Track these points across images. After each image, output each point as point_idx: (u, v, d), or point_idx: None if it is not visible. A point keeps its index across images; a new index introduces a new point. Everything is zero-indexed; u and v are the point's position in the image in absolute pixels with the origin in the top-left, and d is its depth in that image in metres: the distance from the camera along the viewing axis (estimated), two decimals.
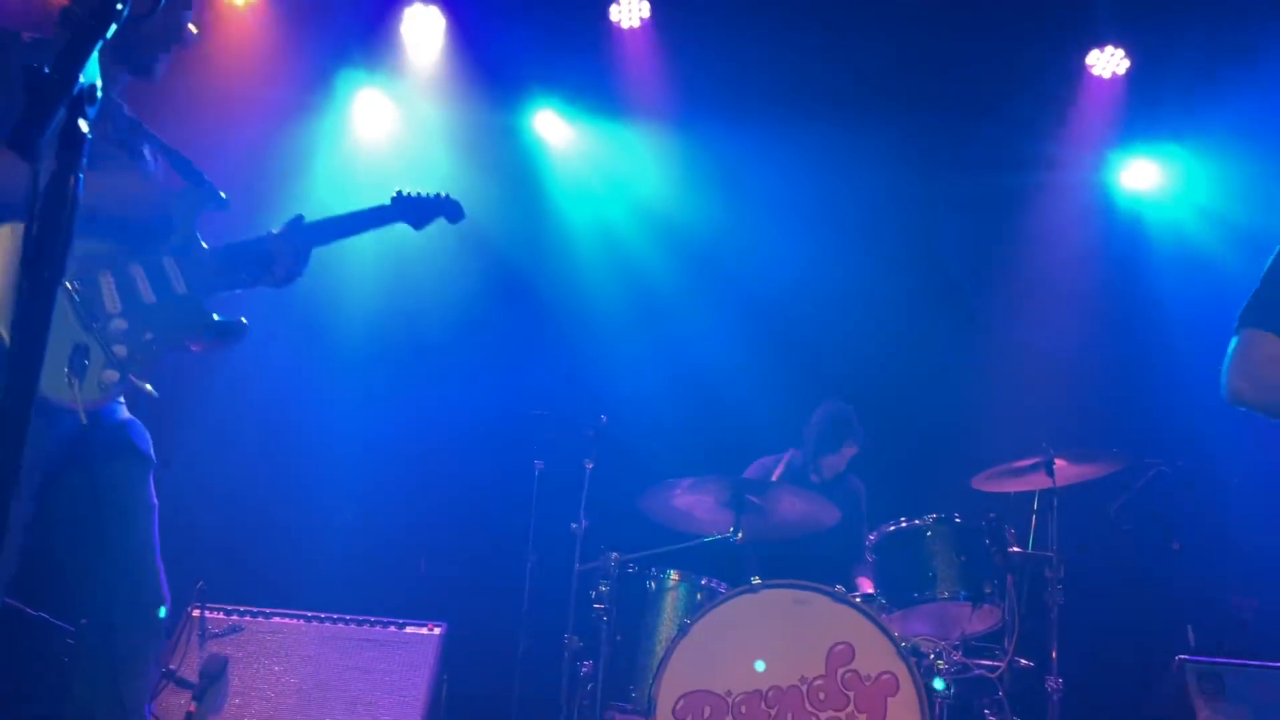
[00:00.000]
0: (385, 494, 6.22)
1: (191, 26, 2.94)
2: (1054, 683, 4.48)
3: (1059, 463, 4.66)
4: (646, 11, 6.56)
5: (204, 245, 2.97)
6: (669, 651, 4.13)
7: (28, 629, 3.59)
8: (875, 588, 4.70)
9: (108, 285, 2.74)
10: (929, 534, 4.56)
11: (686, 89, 6.65)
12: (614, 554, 4.61)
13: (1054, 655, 4.51)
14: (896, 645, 4.09)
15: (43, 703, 3.36)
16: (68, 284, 2.64)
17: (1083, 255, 6.75)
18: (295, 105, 6.51)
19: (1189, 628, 5.62)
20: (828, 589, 4.20)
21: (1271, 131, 6.11)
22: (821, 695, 4.05)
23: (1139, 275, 6.65)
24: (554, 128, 6.90)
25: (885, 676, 4.06)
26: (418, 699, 4.61)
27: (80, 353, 2.61)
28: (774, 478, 5.11)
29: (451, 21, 6.60)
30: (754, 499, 4.69)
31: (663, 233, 6.82)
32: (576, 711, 4.60)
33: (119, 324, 2.72)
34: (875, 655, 4.08)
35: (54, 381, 2.55)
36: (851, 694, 4.05)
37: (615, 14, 6.59)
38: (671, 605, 4.52)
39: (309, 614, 4.83)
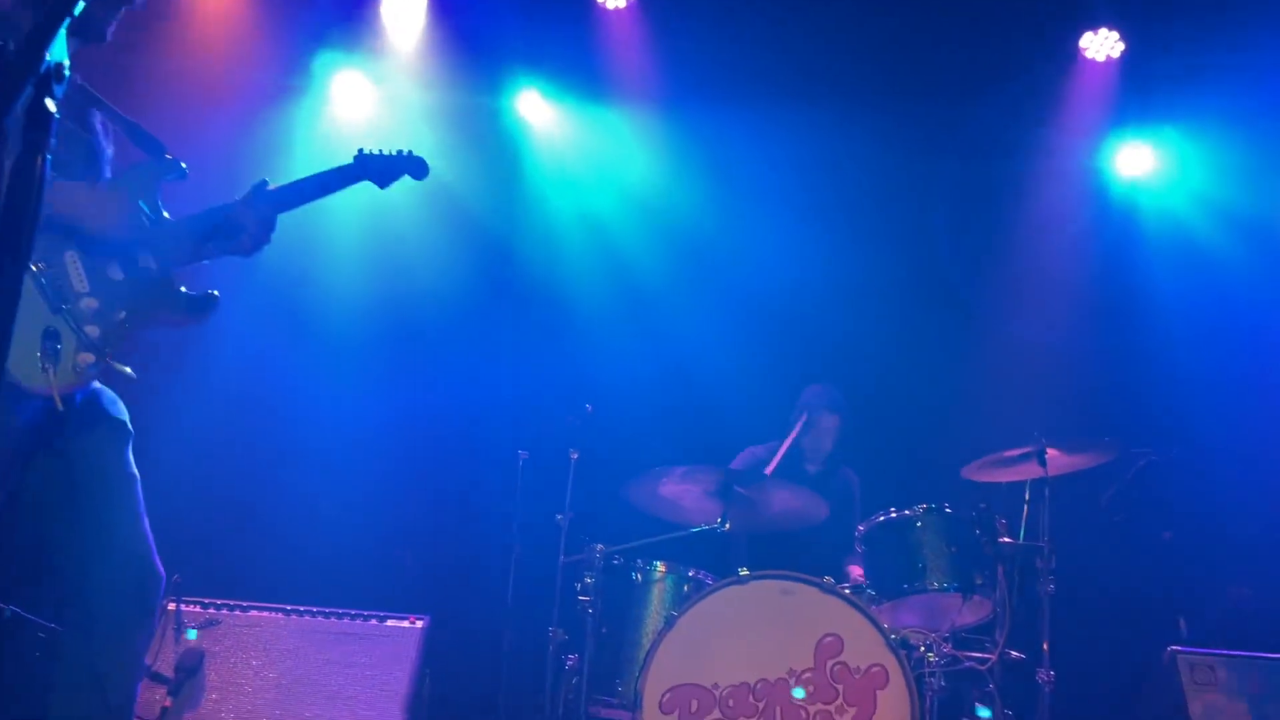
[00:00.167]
0: (366, 484, 6.20)
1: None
2: (1045, 675, 4.50)
3: (1051, 452, 4.67)
4: None
5: (166, 216, 2.94)
6: (655, 644, 4.13)
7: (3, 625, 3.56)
8: (865, 577, 4.72)
9: (74, 264, 2.70)
10: (919, 524, 4.57)
11: (673, 71, 6.63)
12: (599, 545, 4.61)
13: (1045, 647, 4.53)
14: (886, 637, 4.10)
15: (20, 704, 3.33)
16: (33, 265, 2.60)
17: (1075, 242, 6.76)
18: (273, 88, 6.46)
19: (1181, 619, 5.66)
20: (816, 580, 4.21)
21: (1267, 115, 6.13)
22: (810, 688, 4.06)
23: (1132, 263, 6.67)
24: (537, 110, 6.86)
25: (874, 669, 4.07)
26: (399, 694, 4.60)
27: (51, 337, 2.57)
28: (769, 469, 5.10)
29: (433, 0, 6.56)
30: (742, 490, 4.69)
31: (649, 218, 6.80)
32: (561, 706, 4.60)
33: (89, 303, 2.68)
34: (864, 647, 4.09)
35: (26, 368, 2.52)
36: (840, 686, 4.06)
37: None
38: (658, 597, 4.53)
39: (288, 607, 4.80)
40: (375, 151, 3.34)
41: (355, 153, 3.32)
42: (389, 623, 4.79)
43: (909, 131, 6.56)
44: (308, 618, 4.78)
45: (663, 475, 4.70)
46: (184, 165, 2.99)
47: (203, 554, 5.39)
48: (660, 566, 4.58)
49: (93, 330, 2.67)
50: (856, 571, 4.94)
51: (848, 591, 4.26)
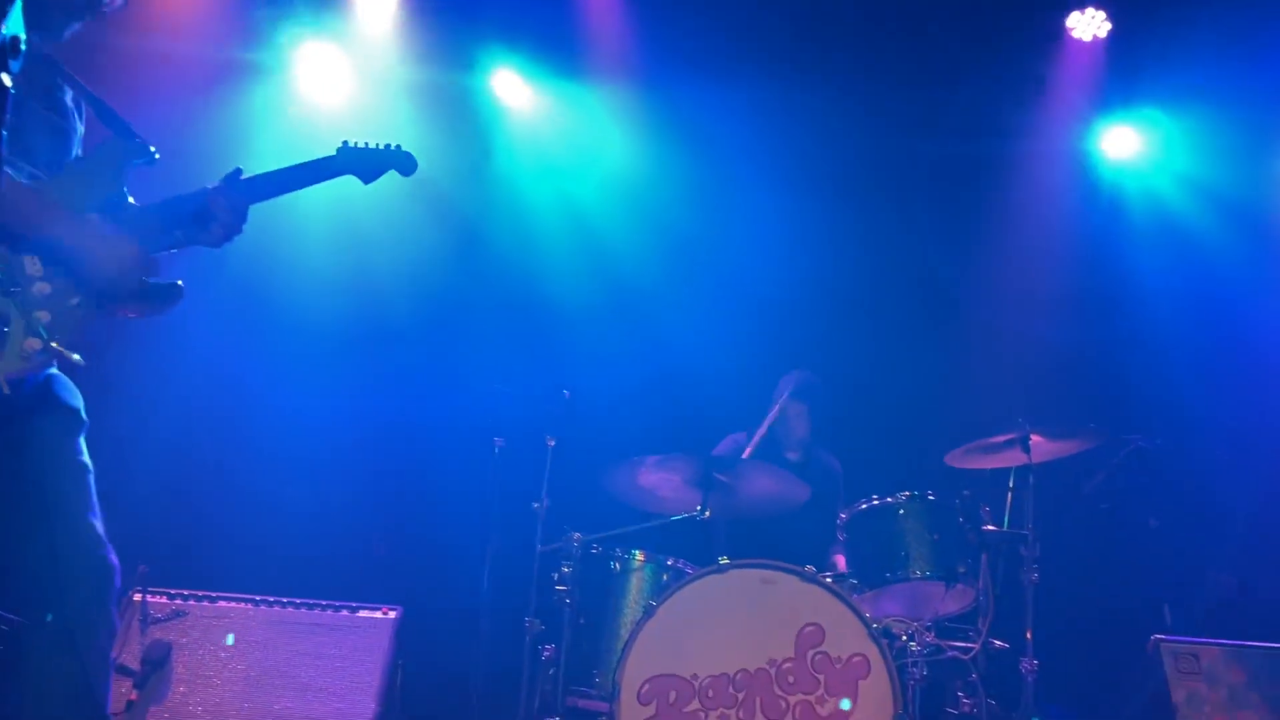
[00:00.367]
0: (337, 471, 6.17)
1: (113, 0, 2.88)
2: (1029, 664, 4.54)
3: (1035, 439, 4.71)
4: None
5: (132, 202, 2.91)
6: (634, 634, 4.14)
7: None
8: (847, 567, 4.74)
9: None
10: (901, 512, 4.60)
11: (653, 50, 6.59)
12: (577, 534, 4.62)
13: (1029, 636, 4.57)
14: (868, 626, 4.12)
15: None
16: None
17: (1060, 226, 6.79)
18: (236, 65, 6.37)
19: (1165, 607, 5.71)
20: (797, 569, 4.22)
21: (1253, 95, 6.16)
22: (791, 678, 4.08)
23: (1117, 247, 6.70)
24: (513, 89, 6.82)
25: (856, 658, 4.10)
26: (371, 685, 4.60)
27: None
28: (746, 453, 5.11)
29: None
30: (722, 477, 4.70)
31: (628, 202, 6.78)
32: (538, 697, 4.61)
33: (41, 288, 2.64)
34: (846, 637, 4.12)
35: None
36: (822, 676, 4.08)
37: None
38: (636, 586, 4.54)
39: (257, 597, 4.80)
40: (360, 144, 3.28)
41: (339, 145, 3.26)
42: (361, 613, 4.78)
43: (891, 113, 6.57)
44: (277, 608, 4.77)
45: (641, 463, 4.71)
46: (153, 149, 2.94)
47: (169, 543, 5.37)
48: (639, 555, 4.59)
49: (43, 315, 2.63)
50: (842, 562, 4.96)
51: (829, 580, 4.28)
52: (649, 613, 4.17)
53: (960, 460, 4.92)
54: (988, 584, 4.52)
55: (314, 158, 3.22)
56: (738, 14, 6.46)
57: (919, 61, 6.44)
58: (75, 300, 2.70)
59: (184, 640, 4.65)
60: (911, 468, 5.45)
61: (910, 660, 4.34)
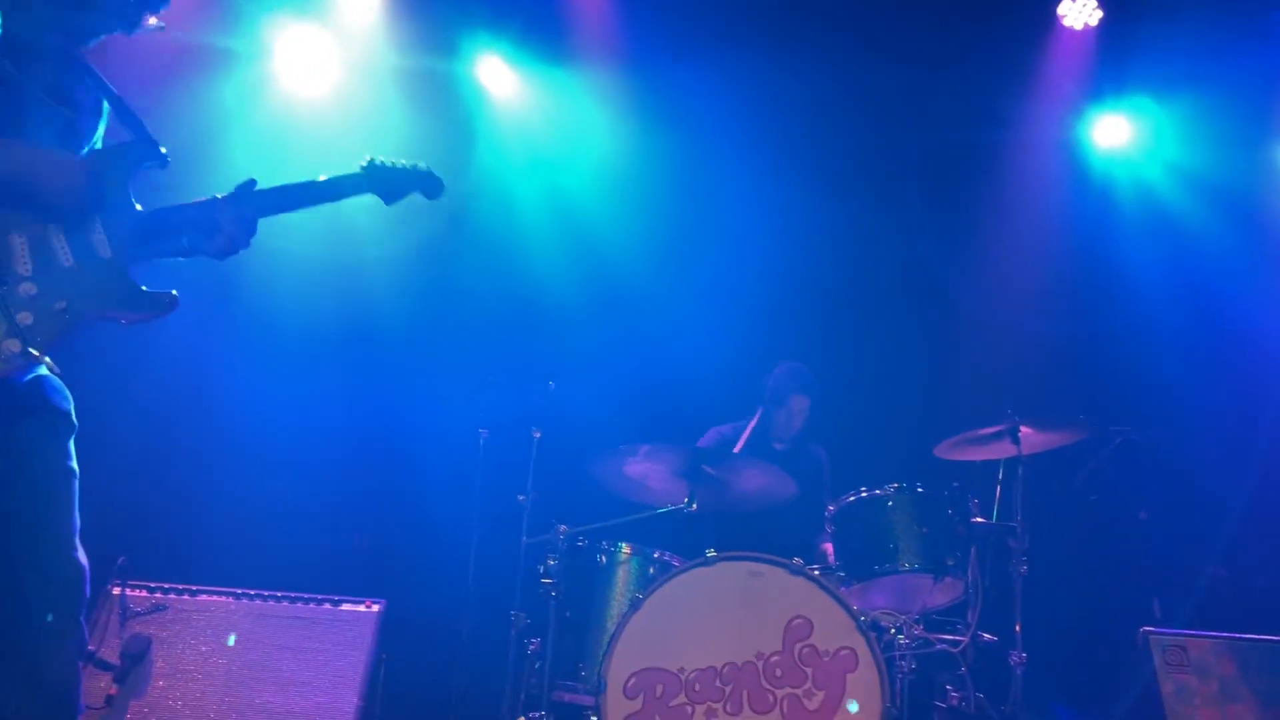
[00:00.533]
0: (320, 463, 6.17)
1: (154, 20, 2.88)
2: (1017, 657, 4.57)
3: (1024, 430, 4.74)
4: None
5: (138, 207, 2.87)
6: (620, 628, 4.16)
7: None
8: (835, 559, 4.76)
9: (20, 245, 2.63)
10: (890, 504, 4.62)
11: (640, 37, 6.59)
12: (563, 526, 4.63)
13: (1018, 629, 4.60)
14: (856, 619, 4.15)
15: None
16: None
17: (1050, 216, 6.82)
18: (212, 51, 6.33)
19: (1155, 599, 5.76)
20: (784, 561, 4.24)
21: (1244, 83, 6.18)
22: (778, 671, 4.11)
23: (1108, 237, 6.73)
24: (498, 76, 6.81)
25: (844, 652, 4.12)
26: (354, 680, 4.61)
27: None
28: (737, 448, 5.13)
29: None
30: (710, 469, 4.72)
31: (614, 193, 6.78)
32: (523, 692, 4.63)
33: (27, 288, 2.61)
34: (834, 630, 4.14)
35: None
36: (809, 670, 4.11)
37: None
38: (623, 579, 4.55)
39: (238, 591, 4.80)
40: (386, 163, 3.23)
41: (364, 161, 3.21)
42: (344, 607, 4.79)
43: (880, 101, 6.59)
44: (259, 601, 4.77)
45: (628, 454, 4.72)
46: (164, 151, 2.91)
47: (149, 536, 5.36)
48: (625, 548, 4.61)
49: (25, 317, 2.59)
50: (829, 551, 4.99)
51: (817, 573, 4.30)
52: (635, 606, 4.18)
53: (949, 452, 4.95)
54: (976, 576, 4.55)
55: (340, 173, 3.18)
56: (726, 1, 6.47)
57: (908, 49, 6.45)
58: (61, 304, 2.66)
59: (164, 634, 4.65)
60: (900, 459, 5.48)
61: (898, 653, 4.37)
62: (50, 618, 2.62)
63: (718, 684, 4.10)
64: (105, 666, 4.47)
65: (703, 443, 5.59)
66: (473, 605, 5.45)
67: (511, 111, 6.88)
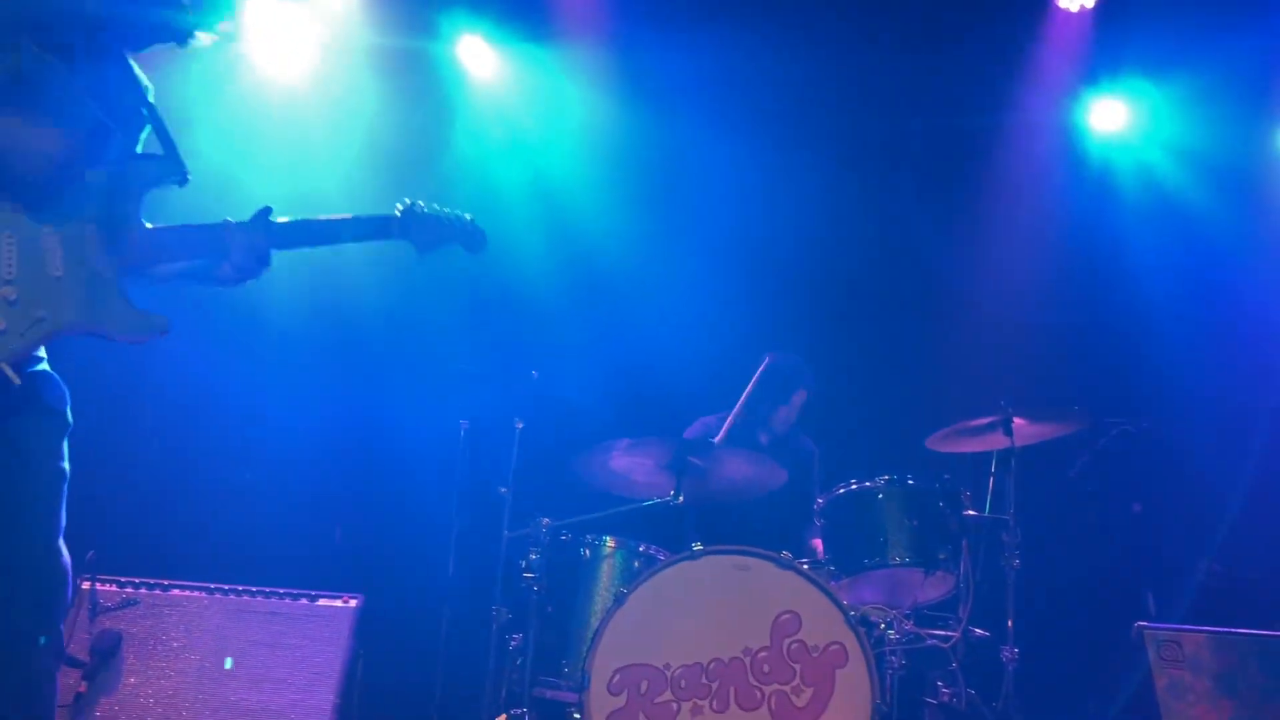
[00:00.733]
0: (296, 455, 6.15)
1: (204, 38, 2.85)
2: (1009, 652, 4.60)
3: (1017, 421, 4.76)
4: None
5: (146, 225, 2.82)
6: (604, 623, 4.16)
7: None
8: (824, 553, 4.78)
9: (8, 246, 2.59)
10: (880, 496, 4.64)
11: (626, 17, 6.57)
12: (545, 519, 4.63)
13: (1010, 624, 4.63)
14: (845, 614, 4.16)
15: None
16: None
17: (1045, 202, 6.83)
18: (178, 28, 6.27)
19: (1149, 594, 5.79)
20: (772, 555, 4.25)
21: (1244, 63, 6.18)
22: (766, 667, 4.12)
23: (1104, 224, 6.75)
24: (479, 56, 6.79)
25: (833, 647, 4.14)
26: (331, 676, 4.61)
27: None
28: (718, 438, 5.14)
29: None
30: (696, 461, 4.73)
31: (598, 177, 6.77)
32: (504, 688, 4.63)
33: (6, 292, 2.56)
34: (823, 625, 4.15)
35: None
36: (797, 666, 4.12)
37: None
38: (607, 574, 4.56)
39: (211, 585, 4.79)
40: (426, 209, 3.16)
41: (402, 204, 3.12)
42: (320, 602, 4.78)
43: (871, 85, 6.58)
44: (233, 596, 4.76)
45: (612, 446, 4.73)
46: (186, 167, 2.87)
47: (119, 528, 5.34)
48: (609, 541, 4.61)
49: None
50: (817, 546, 5.01)
51: (806, 567, 4.32)
52: (620, 600, 4.19)
53: (941, 444, 4.97)
54: (968, 571, 4.57)
55: (373, 213, 3.11)
56: None
57: (898, 30, 6.44)
58: (41, 313, 2.61)
59: (135, 630, 4.64)
60: (891, 451, 5.50)
61: (888, 649, 4.39)
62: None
63: (704, 680, 4.11)
64: (74, 663, 4.46)
65: (690, 433, 5.60)
66: (453, 600, 5.45)
67: (492, 93, 6.85)
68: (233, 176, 5.44)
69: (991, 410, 4.78)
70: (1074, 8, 6.57)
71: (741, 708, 4.09)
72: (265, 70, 6.41)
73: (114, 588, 4.73)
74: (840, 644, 4.14)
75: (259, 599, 4.77)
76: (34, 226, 2.64)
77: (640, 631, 4.15)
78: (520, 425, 5.08)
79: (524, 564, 4.60)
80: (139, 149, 2.94)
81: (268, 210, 2.95)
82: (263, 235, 2.93)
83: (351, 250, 6.26)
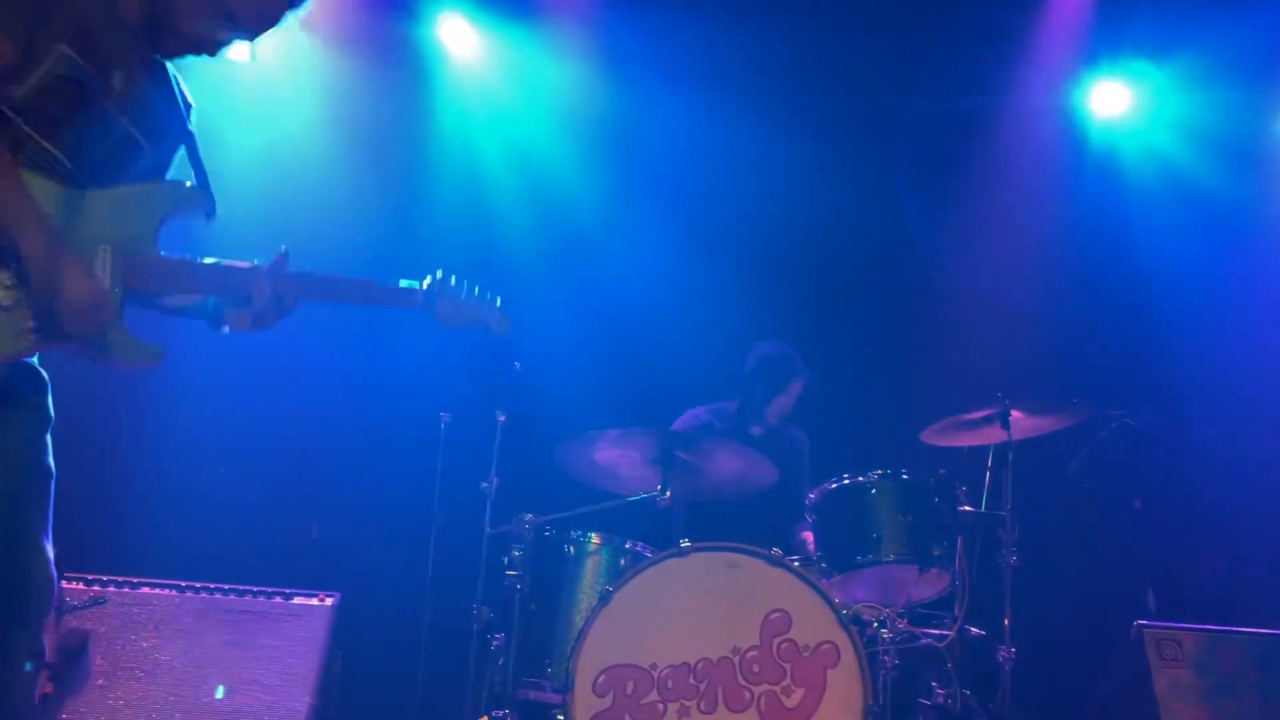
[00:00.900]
0: (270, 447, 6.13)
1: (240, 53, 2.80)
2: (1006, 652, 4.60)
3: (1015, 414, 4.75)
4: None
5: (160, 253, 2.76)
6: (589, 622, 4.16)
7: None
8: (816, 550, 4.78)
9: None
10: (873, 492, 4.63)
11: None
12: (528, 515, 4.62)
13: (1006, 623, 4.63)
14: (837, 613, 4.16)
15: None
16: None
17: (1044, 189, 6.82)
18: None
19: (1150, 592, 5.80)
20: (763, 552, 4.25)
21: (1248, 44, 6.17)
22: (755, 667, 4.12)
23: (1104, 210, 6.75)
24: (460, 35, 6.76)
25: (825, 646, 4.14)
26: (307, 677, 4.60)
27: None
28: (707, 431, 5.14)
29: None
30: (684, 455, 4.72)
31: (583, 159, 6.75)
32: (486, 689, 4.63)
33: (2, 297, 2.47)
34: (814, 623, 4.15)
35: None
36: (788, 665, 4.12)
37: None
38: (592, 571, 4.55)
39: (182, 583, 4.77)
40: (454, 286, 3.12)
41: (431, 277, 3.08)
42: (296, 600, 4.77)
43: (864, 66, 6.56)
44: (205, 595, 4.75)
45: (598, 439, 4.72)
46: (215, 201, 2.81)
47: (86, 524, 5.30)
48: (595, 538, 4.61)
49: None
50: (808, 539, 5.00)
51: (797, 564, 4.31)
52: (605, 599, 4.18)
53: (936, 437, 4.96)
54: (964, 568, 4.57)
55: (400, 283, 3.06)
56: None
57: (891, 9, 6.42)
58: (30, 324, 2.53)
59: (103, 629, 4.62)
60: (884, 445, 5.51)
61: (881, 648, 4.39)
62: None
63: (692, 681, 4.10)
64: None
65: (678, 426, 5.59)
66: (432, 598, 5.45)
67: (474, 72, 6.81)
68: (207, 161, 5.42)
69: (988, 403, 4.77)
70: None
71: (730, 709, 4.09)
72: (241, 51, 6.37)
73: (81, 585, 4.70)
74: (832, 643, 4.14)
75: (232, 597, 4.75)
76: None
77: (626, 631, 4.15)
78: (502, 418, 5.07)
79: (506, 561, 4.60)
80: (170, 172, 2.88)
81: (284, 256, 2.89)
82: (290, 285, 2.86)
83: (328, 242, 6.30)
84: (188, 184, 2.83)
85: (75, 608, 4.63)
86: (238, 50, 2.86)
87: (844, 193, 6.70)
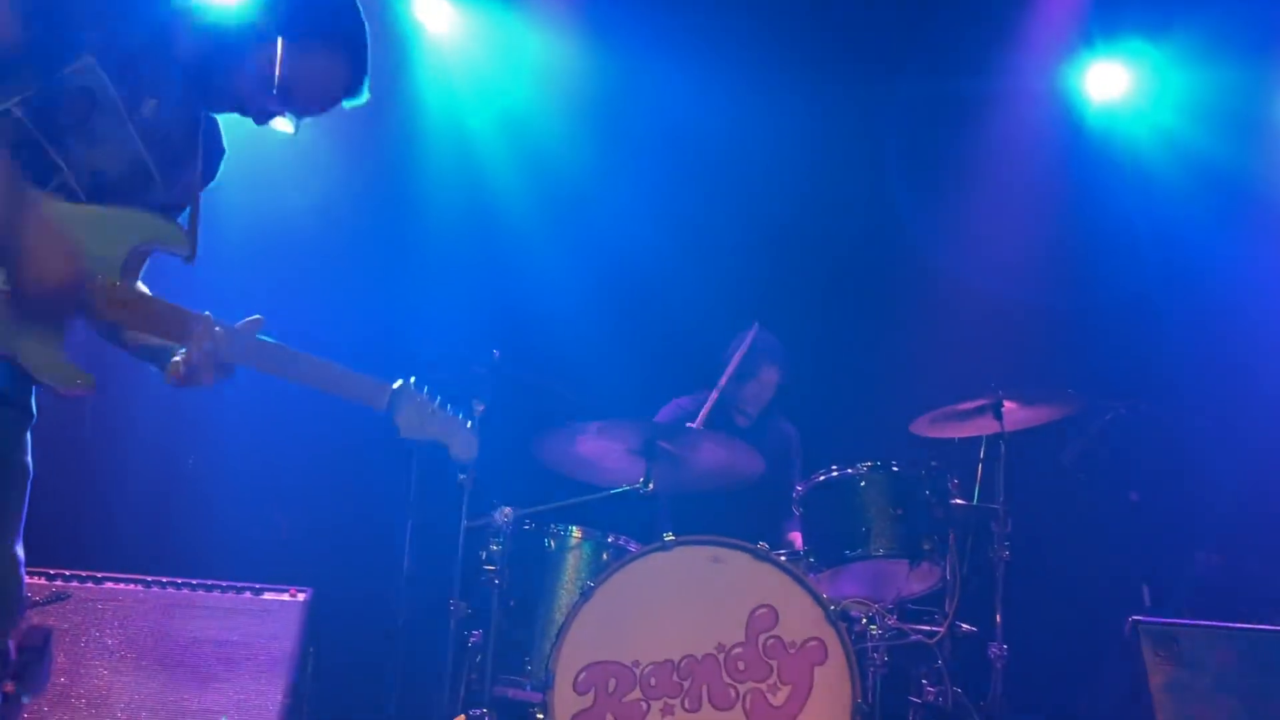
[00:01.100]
0: (239, 436, 6.10)
1: (284, 125, 2.80)
2: (998, 649, 4.63)
3: (1008, 405, 4.77)
4: None
5: (121, 281, 2.74)
6: (570, 618, 4.16)
7: None
8: (803, 544, 4.79)
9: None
10: (862, 484, 4.65)
11: None
12: (507, 508, 4.61)
13: (998, 619, 4.66)
14: (825, 609, 4.18)
15: None
16: None
17: (1037, 174, 6.83)
18: None
19: (1145, 587, 5.83)
20: (749, 546, 4.26)
21: (1251, 20, 6.18)
22: (741, 665, 4.13)
23: (1099, 197, 6.76)
24: (437, 12, 6.73)
25: (812, 643, 4.15)
26: (279, 675, 4.59)
27: None
28: (698, 421, 5.14)
29: None
30: (668, 446, 4.72)
31: (568, 133, 6.72)
32: (463, 687, 4.63)
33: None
34: (801, 620, 4.17)
35: None
36: (774, 663, 4.14)
37: None
38: (573, 566, 4.56)
39: (148, 578, 4.75)
40: (421, 398, 3.14)
41: (400, 382, 3.07)
42: (266, 595, 4.76)
43: (850, 44, 6.55)
44: (171, 590, 4.73)
45: (579, 430, 4.72)
46: (196, 251, 2.82)
47: (48, 517, 5.26)
48: (576, 532, 4.61)
49: None
50: (798, 540, 5.01)
51: (783, 559, 4.32)
52: (586, 594, 4.19)
53: (927, 428, 4.98)
54: (955, 563, 4.59)
55: (365, 374, 3.05)
56: None
57: None
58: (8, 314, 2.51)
59: (65, 625, 4.59)
60: (874, 436, 5.51)
61: (870, 645, 4.41)
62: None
63: (675, 678, 4.11)
64: None
65: (662, 416, 5.59)
66: (408, 594, 5.44)
67: (451, 42, 6.78)
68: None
69: (980, 393, 4.79)
70: None
71: (715, 707, 4.10)
72: (285, 125, 6.34)
73: (43, 580, 4.68)
74: (819, 640, 4.16)
75: (200, 592, 4.74)
76: None
77: (608, 627, 4.16)
78: (481, 408, 5.05)
79: (484, 555, 4.60)
80: (186, 191, 2.89)
81: (257, 321, 2.90)
82: (240, 353, 2.87)
83: (305, 222, 6.27)
84: (172, 222, 2.82)
85: (36, 604, 4.61)
86: (281, 123, 2.84)
87: (833, 178, 6.69)
